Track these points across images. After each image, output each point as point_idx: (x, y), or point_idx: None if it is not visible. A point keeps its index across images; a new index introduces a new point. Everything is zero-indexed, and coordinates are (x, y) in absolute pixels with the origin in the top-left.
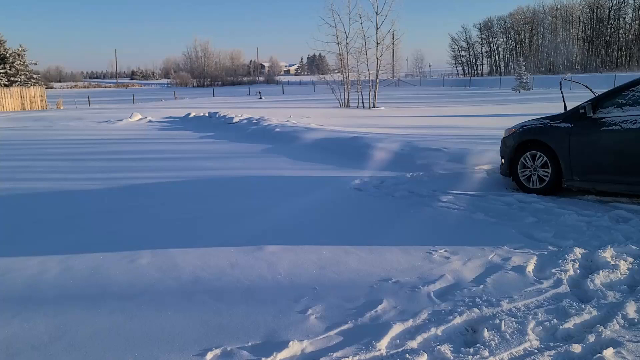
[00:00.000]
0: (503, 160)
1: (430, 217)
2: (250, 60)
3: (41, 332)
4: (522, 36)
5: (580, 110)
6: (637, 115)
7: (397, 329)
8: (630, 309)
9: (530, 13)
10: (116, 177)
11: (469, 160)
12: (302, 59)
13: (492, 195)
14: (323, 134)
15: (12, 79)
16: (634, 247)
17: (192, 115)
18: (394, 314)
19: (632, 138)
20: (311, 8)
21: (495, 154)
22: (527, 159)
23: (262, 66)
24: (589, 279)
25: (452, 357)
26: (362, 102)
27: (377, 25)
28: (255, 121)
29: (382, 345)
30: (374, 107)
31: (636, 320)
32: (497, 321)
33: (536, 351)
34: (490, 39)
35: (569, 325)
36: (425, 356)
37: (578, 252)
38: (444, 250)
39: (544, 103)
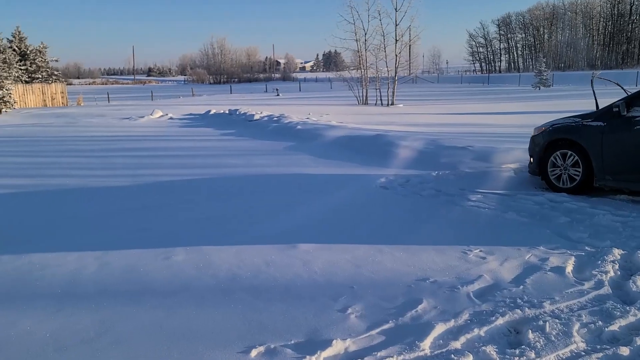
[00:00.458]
0: (532, 159)
1: (460, 216)
2: (266, 57)
3: (87, 326)
4: (541, 32)
5: (614, 109)
6: None
7: (439, 329)
8: None
9: (550, 9)
10: (143, 174)
11: (495, 158)
12: (317, 55)
13: (522, 194)
14: (345, 132)
15: (33, 75)
16: None
17: (212, 113)
18: (434, 314)
19: None
20: (328, 5)
21: (521, 152)
22: (557, 157)
23: (278, 63)
24: (630, 281)
25: (497, 358)
26: (380, 100)
27: (396, 21)
28: (275, 118)
29: (426, 345)
30: (392, 104)
31: None
32: (540, 322)
33: (583, 353)
34: (509, 35)
35: (614, 327)
36: (471, 357)
37: (617, 253)
38: (479, 250)
39: (566, 100)
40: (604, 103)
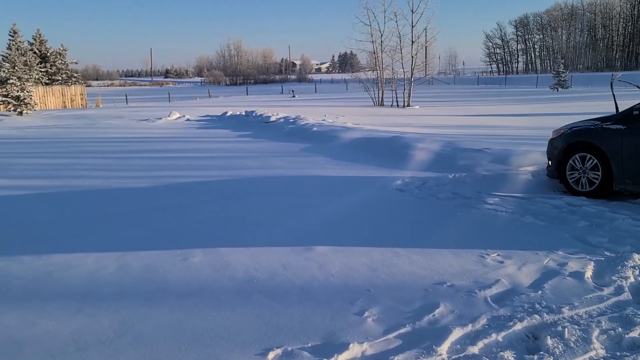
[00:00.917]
0: (550, 162)
1: (478, 219)
2: (282, 59)
3: (106, 327)
4: (560, 33)
5: (635, 112)
6: None
7: (456, 333)
8: None
9: (568, 9)
10: (161, 175)
11: (513, 161)
12: (333, 57)
13: (540, 197)
14: (361, 134)
15: (52, 77)
16: None
17: (229, 114)
18: (452, 318)
19: None
20: (344, 6)
21: (539, 154)
22: (576, 161)
23: (294, 64)
24: None
25: None
26: (397, 101)
27: (412, 23)
28: (292, 120)
29: (443, 350)
30: (408, 105)
31: None
32: (559, 328)
33: None
34: (526, 36)
35: (634, 334)
36: None
37: (637, 258)
38: (496, 254)
39: (584, 102)
40: (623, 106)
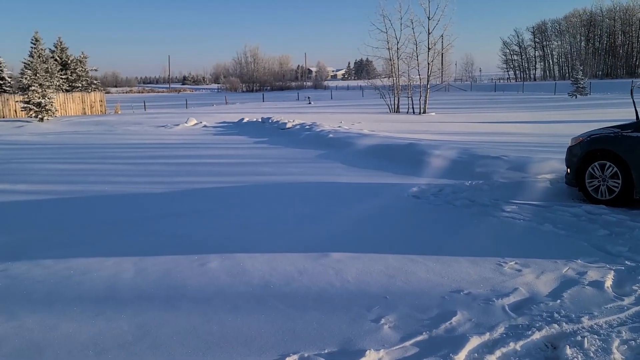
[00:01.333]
0: (569, 170)
1: (495, 227)
2: (298, 65)
3: (125, 331)
4: (578, 39)
5: None
6: None
7: (474, 342)
8: None
9: (587, 15)
10: (178, 181)
11: (531, 168)
12: (349, 63)
13: (558, 205)
14: (376, 140)
15: (73, 84)
16: None
17: (245, 121)
18: (469, 326)
19: None
20: (360, 13)
21: (557, 162)
22: (595, 169)
23: (310, 71)
24: None
25: None
26: (412, 108)
27: (428, 30)
28: (308, 127)
29: (460, 358)
30: (424, 112)
31: None
32: (578, 338)
33: None
34: (544, 43)
35: None
36: None
37: None
38: (514, 262)
39: (604, 109)
40: None
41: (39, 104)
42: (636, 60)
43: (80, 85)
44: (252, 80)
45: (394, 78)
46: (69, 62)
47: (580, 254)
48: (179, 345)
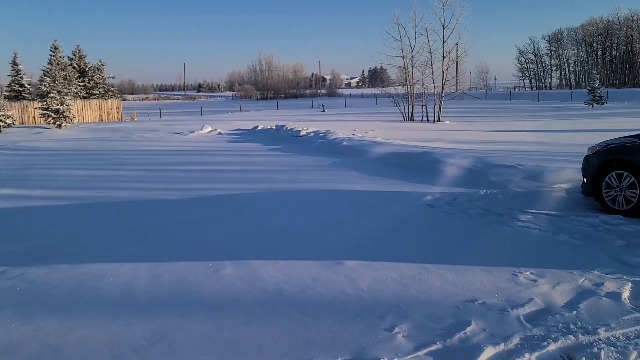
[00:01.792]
0: (585, 179)
1: (510, 237)
2: (312, 73)
3: (140, 336)
4: (595, 48)
5: None
6: None
7: (488, 352)
8: None
9: (604, 24)
10: (192, 188)
11: (546, 178)
12: (363, 71)
13: (575, 215)
14: (390, 148)
15: (90, 91)
16: None
17: (259, 128)
18: (483, 336)
19: None
20: (375, 22)
21: (573, 171)
22: (612, 178)
23: (324, 79)
24: None
25: None
26: (427, 116)
27: (443, 38)
28: (322, 134)
29: None
30: (438, 120)
31: None
32: (595, 350)
33: None
34: (560, 51)
35: None
36: None
37: None
38: (529, 272)
39: (621, 118)
40: None
41: (57, 111)
42: None
43: (97, 92)
44: (266, 88)
45: (408, 86)
46: (87, 69)
47: (596, 265)
48: (193, 351)
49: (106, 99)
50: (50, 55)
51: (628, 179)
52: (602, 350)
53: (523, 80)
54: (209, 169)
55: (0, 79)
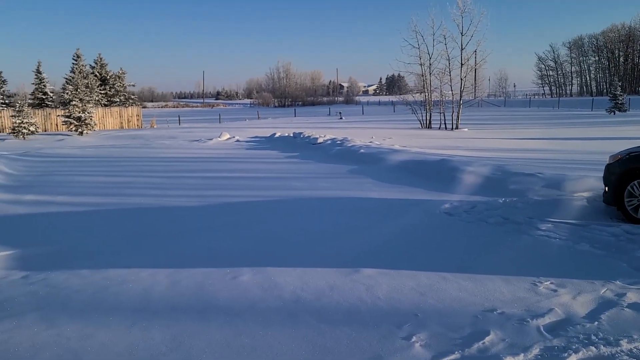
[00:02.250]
0: (607, 188)
1: (529, 246)
2: (330, 81)
3: (158, 342)
4: (616, 55)
5: None
6: None
7: None
8: None
9: (626, 31)
10: (211, 195)
11: (566, 186)
12: (380, 79)
13: (596, 225)
14: (408, 156)
15: (111, 99)
16: None
17: (277, 135)
18: (503, 346)
19: None
20: (392, 29)
21: (595, 180)
22: (634, 187)
23: (341, 86)
24: None
25: None
26: (445, 123)
27: (461, 46)
28: (339, 142)
29: None
30: (456, 128)
31: None
32: None
33: None
34: (581, 58)
35: None
36: None
37: None
38: (549, 282)
39: None
40: None
41: (79, 118)
42: None
43: (118, 100)
44: (284, 96)
45: (426, 93)
46: (108, 77)
47: (619, 275)
48: (211, 357)
49: (126, 107)
50: (73, 63)
51: None
52: None
53: (543, 87)
54: (227, 175)
55: (25, 87)
